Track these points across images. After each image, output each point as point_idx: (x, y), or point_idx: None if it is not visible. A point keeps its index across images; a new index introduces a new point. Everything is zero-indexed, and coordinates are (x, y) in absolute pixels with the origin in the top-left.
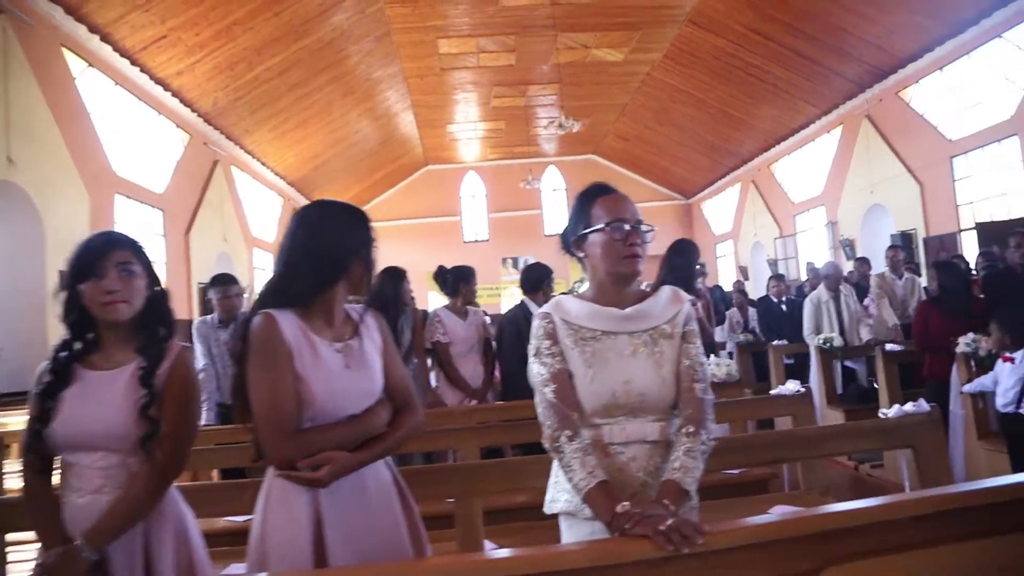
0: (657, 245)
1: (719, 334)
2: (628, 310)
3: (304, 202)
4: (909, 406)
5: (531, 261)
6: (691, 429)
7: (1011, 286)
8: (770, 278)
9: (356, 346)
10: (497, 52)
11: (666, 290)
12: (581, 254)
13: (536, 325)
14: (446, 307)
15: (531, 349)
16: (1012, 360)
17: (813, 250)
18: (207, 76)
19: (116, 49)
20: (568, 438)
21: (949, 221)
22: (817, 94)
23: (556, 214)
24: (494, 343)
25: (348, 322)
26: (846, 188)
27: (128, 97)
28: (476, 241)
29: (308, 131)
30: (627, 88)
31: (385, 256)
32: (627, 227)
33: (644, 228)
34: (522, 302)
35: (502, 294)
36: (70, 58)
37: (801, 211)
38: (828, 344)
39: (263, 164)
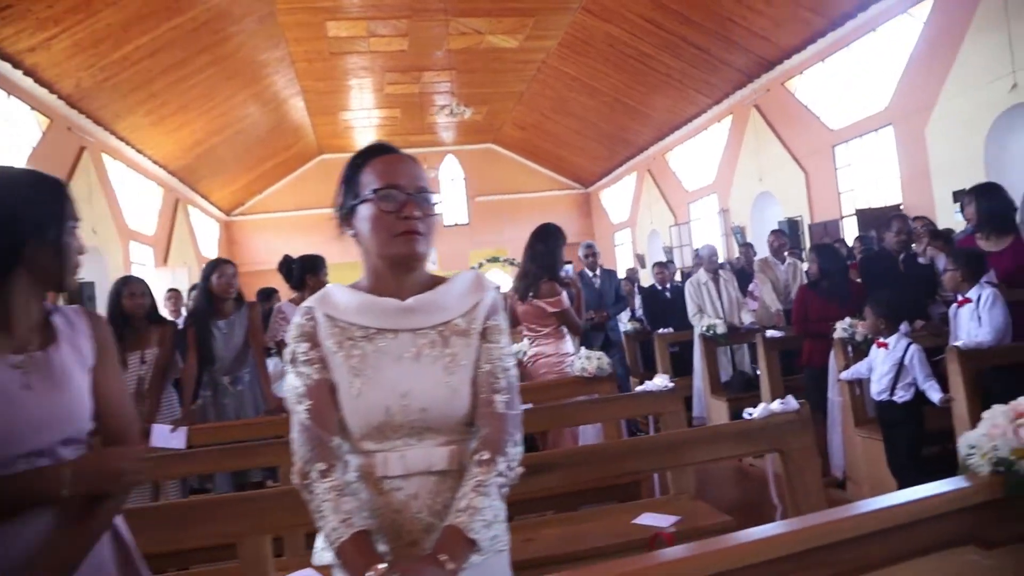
0: None
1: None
2: (410, 301)
3: (188, 193)
4: (776, 404)
5: (432, 252)
6: (485, 456)
7: (885, 269)
8: (654, 264)
9: (44, 359)
10: (389, 36)
11: (465, 275)
12: (351, 232)
13: (293, 324)
14: (291, 301)
15: (286, 355)
16: (886, 346)
17: (706, 238)
18: (66, 54)
19: None
20: (320, 473)
21: (832, 208)
22: (708, 84)
23: (455, 204)
24: None
25: (40, 327)
26: (736, 176)
27: None
28: None
29: (188, 116)
30: (523, 76)
31: (281, 248)
32: (402, 196)
33: (427, 197)
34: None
35: None
36: None
37: (695, 199)
38: (711, 331)
39: (139, 152)
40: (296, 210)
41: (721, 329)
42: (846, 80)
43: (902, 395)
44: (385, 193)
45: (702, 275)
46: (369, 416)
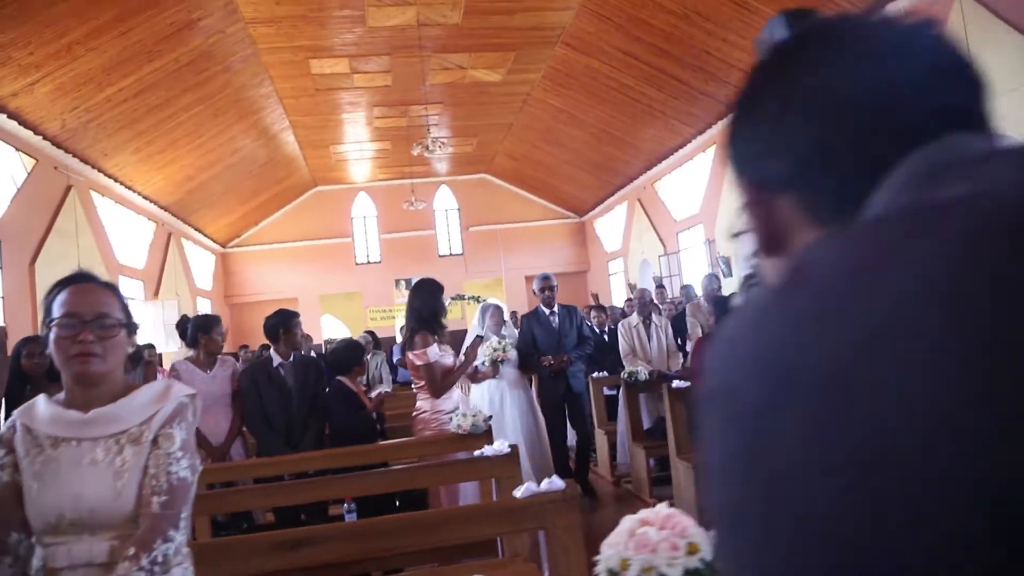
0: (551, 263)
1: None
2: (91, 413)
3: (181, 227)
4: (544, 483)
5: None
6: (131, 552)
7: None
8: (590, 308)
9: None
10: (372, 73)
11: (154, 387)
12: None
13: None
14: (187, 359)
15: None
16: None
17: (695, 267)
18: (50, 97)
19: None
20: None
21: None
22: (690, 114)
23: (449, 234)
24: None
25: None
26: (721, 206)
27: None
28: (368, 263)
29: (178, 152)
30: (510, 108)
31: (276, 280)
32: (77, 323)
33: (104, 322)
34: (268, 352)
35: (396, 316)
36: None
37: (683, 228)
38: (632, 377)
39: (129, 188)
40: (292, 241)
41: (643, 376)
42: None
43: None
44: (62, 320)
45: (633, 318)
46: (45, 515)
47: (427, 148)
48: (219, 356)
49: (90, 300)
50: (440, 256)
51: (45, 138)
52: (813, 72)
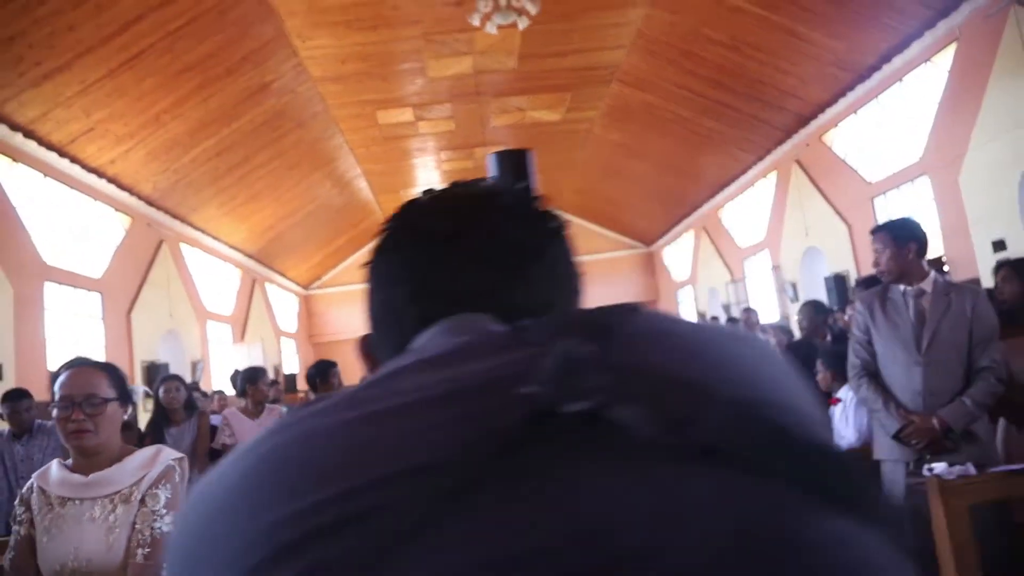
0: (622, 294)
1: None
2: (91, 476)
3: (265, 272)
4: None
5: None
6: None
7: (805, 355)
8: None
9: None
10: (436, 120)
11: (145, 452)
12: None
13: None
14: (238, 408)
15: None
16: (838, 401)
17: (761, 294)
18: (142, 162)
19: (43, 144)
20: None
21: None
22: (749, 141)
23: None
24: None
25: None
26: (784, 232)
27: (61, 188)
28: None
29: (259, 204)
30: (572, 145)
31: (356, 319)
32: (69, 405)
33: (93, 400)
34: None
35: None
36: None
37: (748, 255)
38: None
39: (216, 239)
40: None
41: None
42: (879, 132)
43: None
44: (58, 403)
45: None
46: (51, 564)
47: None
48: (267, 404)
49: (80, 382)
50: None
51: (139, 198)
52: (391, 247)
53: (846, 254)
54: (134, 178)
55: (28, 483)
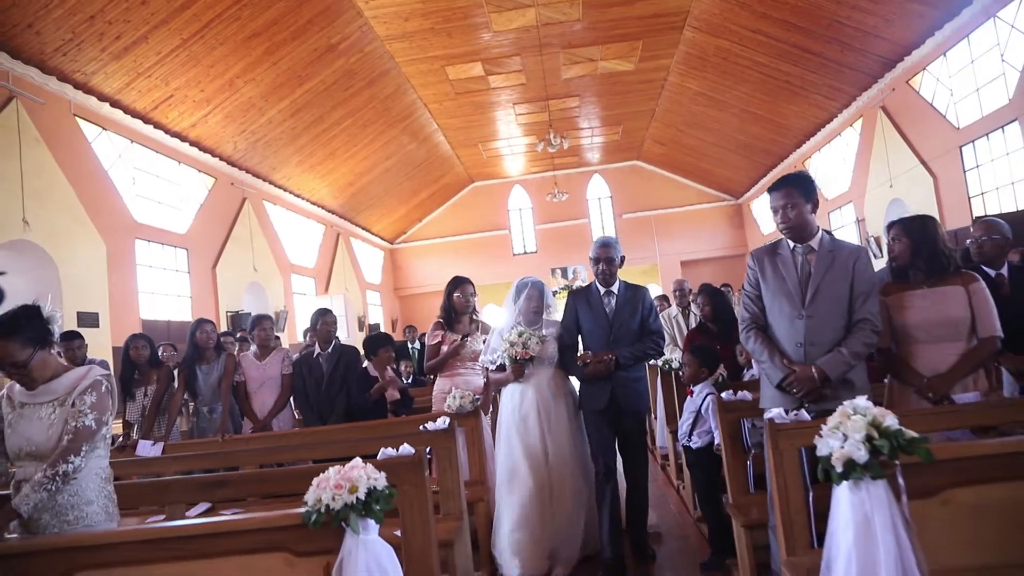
0: (707, 247)
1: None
2: (37, 389)
3: (349, 227)
4: (404, 448)
5: (580, 270)
6: (45, 467)
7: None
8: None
9: None
10: (505, 73)
11: (78, 371)
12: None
13: None
14: (252, 352)
15: None
16: (691, 393)
17: None
18: (221, 125)
19: (128, 112)
20: None
21: (962, 214)
22: (832, 88)
23: (603, 222)
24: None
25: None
26: (869, 183)
27: (147, 152)
28: (525, 253)
29: (337, 162)
30: (649, 95)
31: (439, 272)
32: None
33: (18, 366)
34: (313, 346)
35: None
36: (85, 125)
37: (833, 208)
38: (667, 366)
39: (297, 196)
40: (453, 236)
41: (676, 364)
42: (969, 74)
43: (696, 441)
44: None
45: (674, 308)
46: (13, 448)
47: (550, 143)
48: (272, 348)
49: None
50: None
51: (221, 159)
52: None
53: (930, 206)
54: (215, 140)
55: (1, 391)
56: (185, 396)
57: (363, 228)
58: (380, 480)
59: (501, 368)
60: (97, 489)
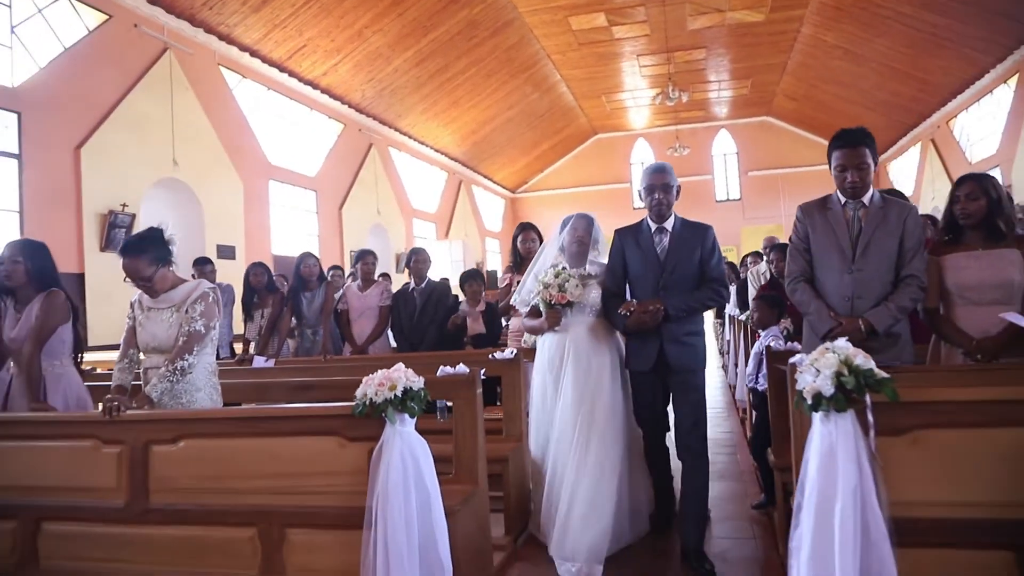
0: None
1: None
2: (159, 297)
3: (471, 175)
4: (460, 367)
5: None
6: (167, 362)
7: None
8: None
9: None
10: (629, 24)
11: (190, 284)
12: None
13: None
14: (356, 284)
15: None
16: (759, 337)
17: None
18: (350, 73)
19: (265, 61)
20: (120, 361)
21: None
22: (984, 40)
23: (727, 179)
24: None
25: None
26: (1020, 147)
27: (282, 99)
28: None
29: (461, 110)
30: (780, 47)
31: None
32: (133, 281)
33: (145, 279)
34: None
35: None
36: (227, 74)
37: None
38: (749, 319)
39: (422, 143)
40: (575, 187)
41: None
42: None
43: (762, 383)
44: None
45: (762, 266)
46: (141, 344)
47: (668, 96)
48: (374, 280)
49: (130, 269)
50: (717, 201)
51: (350, 106)
52: None
53: None
54: (344, 88)
55: (135, 297)
56: (293, 319)
57: (485, 176)
58: (417, 382)
59: (537, 313)
60: (205, 379)
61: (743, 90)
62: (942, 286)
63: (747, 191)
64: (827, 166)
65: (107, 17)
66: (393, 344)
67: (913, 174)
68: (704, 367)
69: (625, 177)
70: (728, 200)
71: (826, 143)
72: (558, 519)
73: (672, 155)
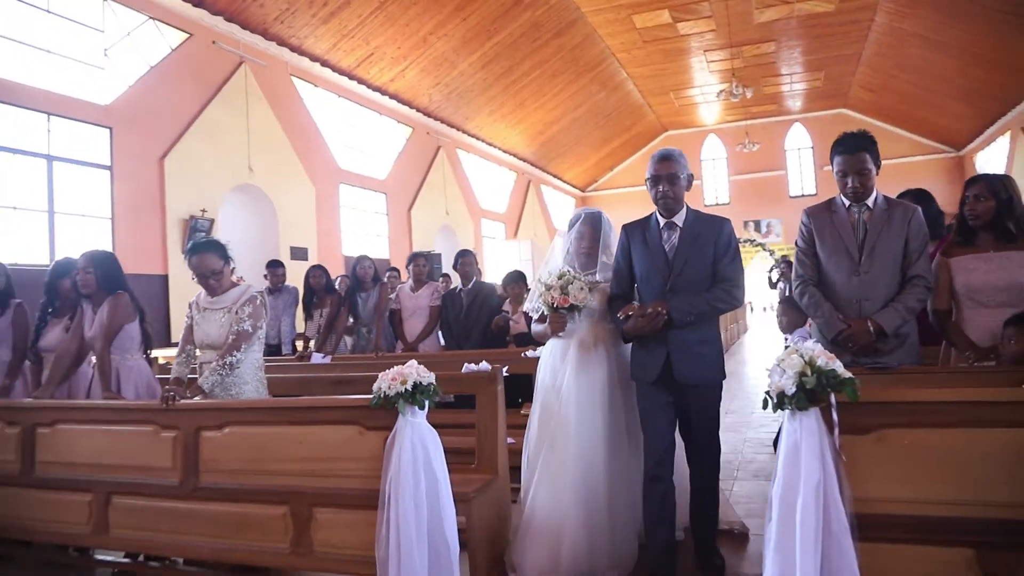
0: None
1: None
2: (215, 298)
3: (540, 174)
4: (483, 364)
5: (775, 224)
6: (218, 357)
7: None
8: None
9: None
10: (694, 20)
11: (240, 287)
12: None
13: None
14: (408, 285)
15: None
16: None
17: None
18: (417, 79)
19: (335, 70)
20: (178, 356)
21: None
22: None
23: (802, 174)
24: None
25: None
26: None
27: (352, 106)
28: (717, 204)
29: (527, 111)
30: (854, 37)
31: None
32: (200, 277)
33: (209, 277)
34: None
35: (750, 258)
36: (299, 83)
37: None
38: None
39: (490, 144)
40: (645, 185)
41: None
42: None
43: None
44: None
45: None
46: (197, 341)
47: (731, 94)
48: (425, 281)
49: (202, 265)
50: (791, 197)
51: (418, 110)
52: None
53: None
54: (412, 93)
55: (192, 299)
56: (350, 319)
57: (554, 176)
58: (427, 377)
59: (544, 318)
60: (252, 374)
61: (816, 82)
62: (951, 287)
63: (822, 186)
64: (909, 158)
65: (188, 35)
66: (442, 342)
67: (1002, 165)
68: (720, 381)
69: (696, 174)
70: (803, 196)
71: (907, 134)
72: (521, 526)
73: (741, 151)
